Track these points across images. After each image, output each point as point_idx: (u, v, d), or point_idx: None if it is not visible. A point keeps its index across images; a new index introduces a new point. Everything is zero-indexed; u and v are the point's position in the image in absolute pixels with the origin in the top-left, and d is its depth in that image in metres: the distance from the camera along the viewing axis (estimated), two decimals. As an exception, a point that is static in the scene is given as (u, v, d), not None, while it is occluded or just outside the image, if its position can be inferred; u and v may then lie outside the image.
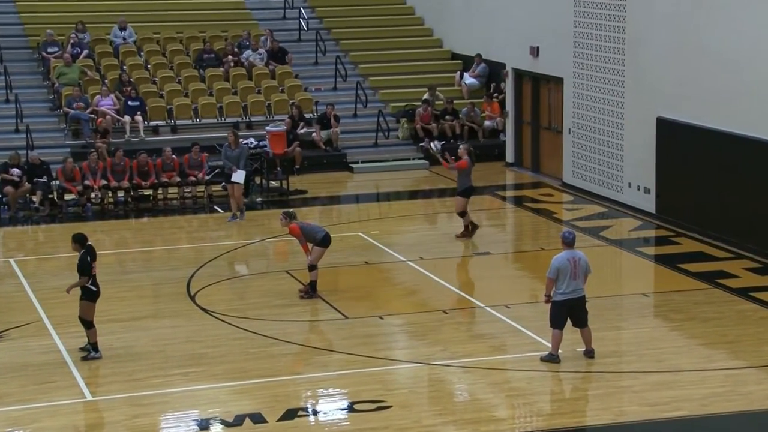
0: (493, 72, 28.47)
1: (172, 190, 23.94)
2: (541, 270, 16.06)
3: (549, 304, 14.23)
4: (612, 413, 12.83)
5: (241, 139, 23.42)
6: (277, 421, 12.65)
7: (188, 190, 24.03)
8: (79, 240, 14.58)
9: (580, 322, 14.28)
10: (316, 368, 14.53)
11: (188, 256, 20.01)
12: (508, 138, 27.28)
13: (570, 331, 14.34)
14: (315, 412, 13.18)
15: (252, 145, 24.80)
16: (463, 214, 20.32)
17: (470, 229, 20.39)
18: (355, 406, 13.10)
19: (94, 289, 14.46)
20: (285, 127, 25.47)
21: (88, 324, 14.48)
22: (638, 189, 22.29)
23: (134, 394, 13.46)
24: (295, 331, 15.80)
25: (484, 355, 14.69)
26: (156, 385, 13.76)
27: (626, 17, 22.45)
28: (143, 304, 17.18)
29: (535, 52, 25.71)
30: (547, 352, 14.33)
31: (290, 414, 12.84)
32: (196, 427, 12.56)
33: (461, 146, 20.80)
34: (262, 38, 30.06)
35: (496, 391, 13.59)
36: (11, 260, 19.58)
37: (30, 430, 12.53)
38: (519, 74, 26.90)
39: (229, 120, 27.09)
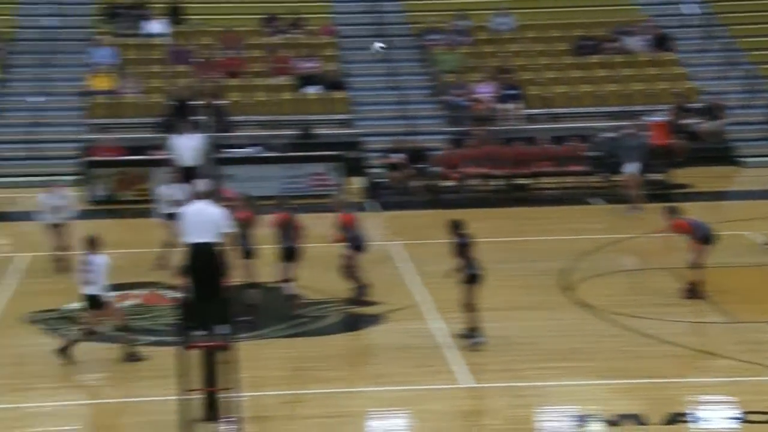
0: None
1: (549, 179, 24.05)
2: None
3: None
4: None
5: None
6: (659, 424, 12.37)
7: (567, 180, 24.07)
8: (454, 226, 14.91)
9: None
10: (700, 372, 14.12)
11: (564, 247, 20.01)
12: None
13: None
14: (701, 419, 12.78)
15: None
16: None
17: None
18: (748, 417, 12.54)
19: (474, 272, 14.74)
20: (668, 118, 24.92)
21: (469, 308, 14.81)
22: None
23: (511, 384, 13.60)
24: (675, 332, 15.39)
25: None
26: (532, 377, 13.82)
27: None
28: (517, 294, 17.34)
29: None
30: None
31: (673, 418, 12.51)
32: (575, 423, 12.53)
33: None
34: (645, 24, 29.55)
35: None
36: (393, 243, 20.42)
37: (413, 412, 12.97)
38: None
39: (608, 109, 26.89)
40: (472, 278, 14.71)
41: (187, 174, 20.19)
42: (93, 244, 14.09)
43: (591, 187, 23.84)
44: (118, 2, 29.98)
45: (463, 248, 14.70)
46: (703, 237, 16.45)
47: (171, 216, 18.07)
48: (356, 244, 16.49)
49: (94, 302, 13.95)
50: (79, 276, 14.13)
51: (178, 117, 25.04)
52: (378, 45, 15.96)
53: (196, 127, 21.74)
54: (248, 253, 15.70)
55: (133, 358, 14.20)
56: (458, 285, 14.85)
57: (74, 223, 18.18)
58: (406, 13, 31.19)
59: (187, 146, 21.33)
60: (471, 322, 14.83)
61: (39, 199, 18.26)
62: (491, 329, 15.31)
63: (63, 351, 14.03)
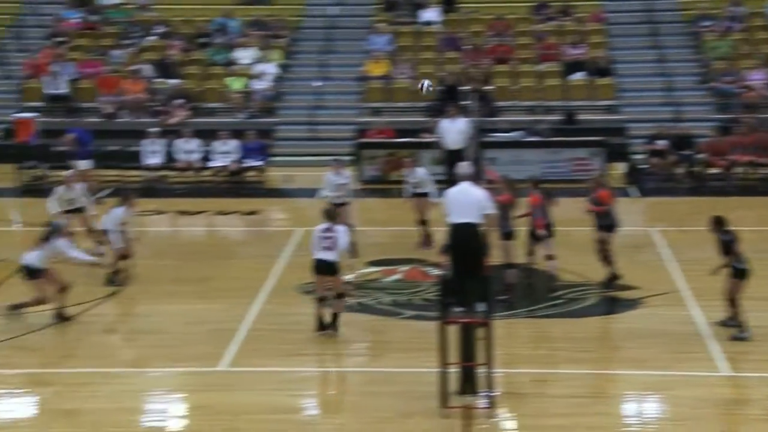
0: None
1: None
2: None
3: None
4: None
5: None
6: None
7: None
8: (717, 223, 14.33)
9: None
10: None
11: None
12: None
13: None
14: None
15: None
16: None
17: None
18: None
19: (741, 267, 14.14)
20: None
21: (733, 302, 14.20)
22: None
23: (770, 375, 13.04)
24: None
25: None
26: (798, 369, 13.20)
27: None
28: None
29: None
30: None
31: None
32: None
33: None
34: None
35: None
36: (653, 229, 19.88)
37: (667, 397, 12.61)
38: None
39: None
40: (739, 273, 14.09)
41: (452, 157, 20.41)
42: (332, 214, 14.32)
43: None
44: (396, -8, 30.57)
45: (728, 245, 14.11)
46: None
47: (418, 196, 18.37)
48: (608, 223, 16.17)
49: (329, 268, 14.09)
50: (316, 243, 14.15)
51: (447, 102, 25.32)
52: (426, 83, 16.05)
53: (463, 112, 21.94)
54: (508, 235, 15.68)
55: (328, 326, 14.26)
56: (725, 278, 14.24)
57: (351, 201, 18.57)
58: (678, 0, 30.26)
59: (454, 130, 21.59)
60: (735, 316, 14.23)
61: (326, 177, 18.67)
62: (755, 319, 14.60)
63: (326, 325, 14.39)
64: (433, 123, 23.23)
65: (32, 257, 14.85)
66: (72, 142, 22.37)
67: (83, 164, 22.21)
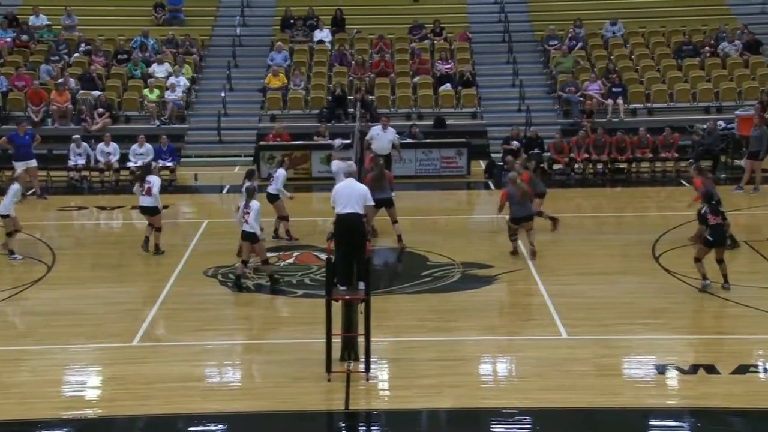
0: None
1: (645, 164, 23.45)
2: None
3: None
4: None
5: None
6: (730, 374, 11.94)
7: (659, 165, 23.46)
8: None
9: None
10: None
11: (655, 222, 19.43)
12: None
13: None
14: (766, 370, 12.27)
15: (720, 128, 23.65)
16: None
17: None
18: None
19: (711, 239, 14.65)
20: (754, 112, 23.91)
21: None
22: None
23: (602, 337, 13.31)
24: (751, 296, 14.74)
25: None
26: (622, 331, 13.50)
27: None
28: (614, 262, 16.90)
29: None
30: None
31: (742, 369, 12.07)
32: (654, 371, 12.20)
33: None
34: (739, 31, 28.39)
35: None
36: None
37: (515, 358, 12.86)
38: None
39: (700, 104, 26.05)
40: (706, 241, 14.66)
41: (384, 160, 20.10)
42: (251, 193, 15.08)
43: (680, 171, 23.10)
44: (293, 14, 30.27)
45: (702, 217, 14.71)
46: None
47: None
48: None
49: (251, 238, 15.03)
50: (240, 218, 15.09)
51: (335, 109, 25.24)
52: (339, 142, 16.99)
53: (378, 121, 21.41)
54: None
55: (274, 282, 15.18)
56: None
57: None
58: (531, 22, 30.68)
59: (385, 138, 21.26)
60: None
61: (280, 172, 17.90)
62: (591, 291, 15.03)
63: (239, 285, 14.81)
64: (366, 128, 22.84)
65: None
66: (5, 143, 21.53)
67: (19, 164, 21.42)
